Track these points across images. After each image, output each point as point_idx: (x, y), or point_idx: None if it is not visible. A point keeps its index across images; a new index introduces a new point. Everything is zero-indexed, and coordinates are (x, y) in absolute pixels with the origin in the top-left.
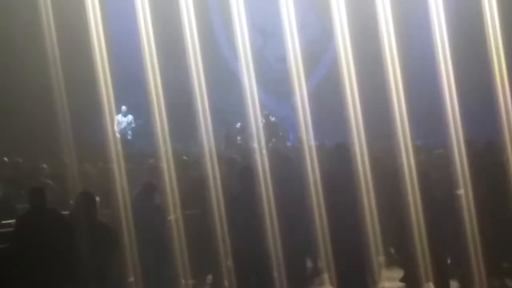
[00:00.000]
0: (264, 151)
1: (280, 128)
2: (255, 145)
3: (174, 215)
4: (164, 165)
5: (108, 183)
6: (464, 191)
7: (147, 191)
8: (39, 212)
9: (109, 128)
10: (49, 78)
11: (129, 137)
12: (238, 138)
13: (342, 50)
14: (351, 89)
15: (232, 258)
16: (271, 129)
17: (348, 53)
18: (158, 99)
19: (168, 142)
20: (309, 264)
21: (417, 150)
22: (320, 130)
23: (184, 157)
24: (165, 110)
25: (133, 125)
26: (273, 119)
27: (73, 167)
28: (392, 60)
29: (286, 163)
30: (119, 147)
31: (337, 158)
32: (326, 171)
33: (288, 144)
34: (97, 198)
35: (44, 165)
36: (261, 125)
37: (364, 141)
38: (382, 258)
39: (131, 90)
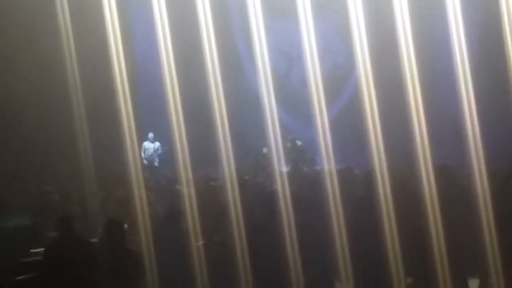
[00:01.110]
0: (288, 175)
1: (307, 152)
2: (281, 169)
3: (201, 241)
4: (185, 190)
5: (134, 210)
6: (485, 212)
7: (172, 216)
8: (67, 240)
9: (130, 155)
10: (70, 105)
11: (156, 164)
12: (265, 163)
13: (363, 74)
14: (372, 114)
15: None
16: (297, 152)
17: (369, 77)
18: (179, 125)
19: (189, 168)
20: None
21: (439, 172)
22: (345, 154)
23: (212, 183)
24: (186, 136)
25: (159, 151)
26: (299, 143)
27: (99, 195)
28: (413, 83)
29: (311, 187)
30: (144, 173)
31: (362, 183)
32: (350, 195)
33: (315, 167)
34: (125, 225)
35: (71, 194)
36: (286, 149)
37: (385, 165)
38: (409, 280)
39: (158, 117)
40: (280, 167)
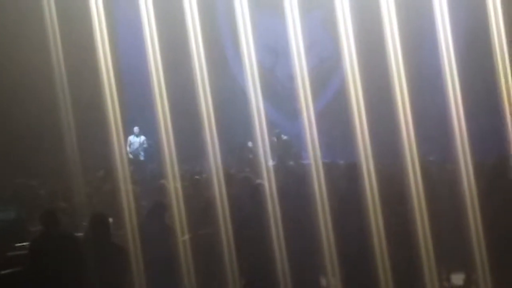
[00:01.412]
0: (274, 170)
1: (293, 146)
2: (264, 163)
3: (185, 235)
4: (171, 184)
5: (119, 204)
6: (472, 208)
7: (157, 210)
8: (52, 234)
9: (117, 149)
10: (56, 100)
11: (142, 158)
12: (250, 156)
13: (349, 69)
14: (358, 108)
15: (240, 278)
16: (283, 147)
17: (355, 72)
18: (165, 119)
19: (175, 163)
20: (317, 283)
21: (425, 167)
22: (331, 148)
23: (196, 177)
24: (172, 130)
25: (145, 145)
26: (285, 137)
27: (84, 189)
28: (399, 78)
29: (297, 181)
30: (130, 168)
31: (347, 178)
32: (336, 190)
33: (301, 161)
34: (110, 219)
35: (56, 188)
36: (272, 143)
37: (372, 160)
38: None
39: (143, 111)
40: (266, 161)
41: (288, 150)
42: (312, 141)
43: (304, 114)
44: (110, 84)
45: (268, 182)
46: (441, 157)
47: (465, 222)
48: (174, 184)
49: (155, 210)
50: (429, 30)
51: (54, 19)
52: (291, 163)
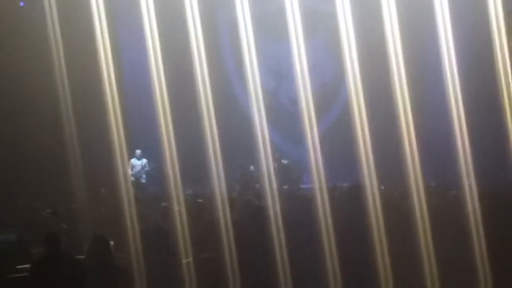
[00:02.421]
0: (276, 194)
1: (294, 171)
2: (267, 188)
3: (188, 258)
4: (175, 207)
5: (121, 227)
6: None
7: (157, 234)
8: (54, 256)
9: (120, 171)
10: (60, 122)
11: (143, 180)
12: (252, 181)
13: (353, 92)
14: (362, 131)
15: None
16: (284, 172)
17: (359, 95)
18: (169, 142)
19: (179, 186)
20: None
21: (430, 191)
22: (333, 172)
23: (199, 200)
24: (176, 154)
25: (147, 168)
26: (285, 162)
27: (87, 211)
28: (403, 101)
29: (298, 206)
30: (132, 190)
31: (351, 200)
32: (339, 213)
33: (302, 186)
34: (111, 242)
35: (59, 210)
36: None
37: (376, 182)
38: None
39: (145, 134)
40: (269, 184)
41: (289, 174)
42: (316, 164)
43: (308, 137)
44: (114, 107)
45: (272, 206)
46: (445, 180)
47: (469, 244)
48: (177, 207)
49: (159, 233)
50: (433, 52)
51: (59, 44)
52: (292, 187)
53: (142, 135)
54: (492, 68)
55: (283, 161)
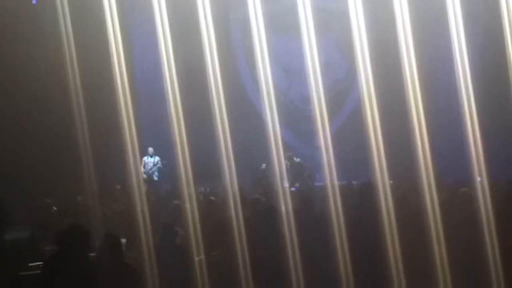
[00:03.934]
0: (289, 192)
1: (306, 169)
2: (280, 185)
3: (200, 256)
4: (187, 205)
5: (133, 225)
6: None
7: (168, 232)
8: (66, 254)
9: (132, 168)
10: (73, 120)
11: (155, 178)
12: (264, 179)
13: (365, 90)
14: (374, 129)
15: None
16: (296, 170)
17: (371, 93)
18: (181, 140)
19: (191, 183)
20: None
21: (441, 188)
22: (346, 170)
23: (212, 198)
24: (188, 151)
25: (159, 166)
26: (298, 160)
27: (99, 209)
28: (415, 99)
29: (311, 204)
30: (144, 188)
31: (362, 198)
32: (351, 210)
33: (315, 184)
34: (123, 240)
35: (70, 207)
36: (285, 166)
37: (388, 181)
38: None
39: (157, 132)
40: (282, 183)
41: (301, 172)
42: (328, 162)
43: (320, 136)
44: (126, 105)
45: (284, 204)
46: (457, 177)
47: (481, 244)
48: (189, 205)
49: (170, 230)
50: (445, 50)
51: (71, 42)
52: (305, 185)
53: (155, 132)
54: (504, 64)
55: (295, 159)
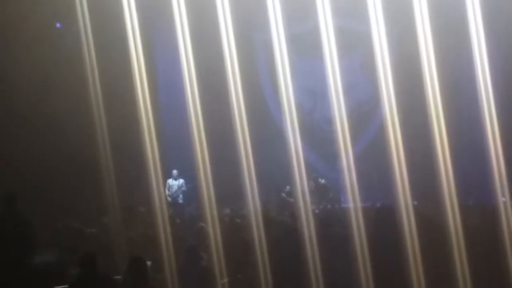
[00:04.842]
0: (313, 214)
1: (331, 190)
2: (303, 208)
3: (224, 278)
4: (210, 227)
5: (158, 248)
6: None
7: (192, 255)
8: (91, 277)
9: (156, 191)
10: (96, 143)
11: (180, 201)
12: (289, 200)
13: (388, 112)
14: (397, 151)
15: None
16: (321, 191)
17: (394, 114)
18: (204, 163)
19: (214, 206)
20: None
21: (464, 209)
22: (370, 192)
23: (237, 220)
24: (211, 174)
25: (184, 188)
26: (322, 181)
27: (124, 232)
28: (438, 121)
29: (335, 226)
30: (169, 211)
31: (385, 220)
32: (374, 232)
33: (340, 205)
34: (149, 263)
35: (95, 230)
36: (310, 188)
37: (411, 203)
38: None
39: (182, 154)
40: (305, 205)
41: (326, 194)
42: (351, 184)
43: (343, 157)
44: (149, 128)
45: (307, 226)
46: (480, 198)
47: (505, 266)
48: (212, 227)
49: (194, 253)
50: (468, 72)
51: (94, 64)
52: (330, 207)
53: (179, 155)
54: None
55: (320, 180)
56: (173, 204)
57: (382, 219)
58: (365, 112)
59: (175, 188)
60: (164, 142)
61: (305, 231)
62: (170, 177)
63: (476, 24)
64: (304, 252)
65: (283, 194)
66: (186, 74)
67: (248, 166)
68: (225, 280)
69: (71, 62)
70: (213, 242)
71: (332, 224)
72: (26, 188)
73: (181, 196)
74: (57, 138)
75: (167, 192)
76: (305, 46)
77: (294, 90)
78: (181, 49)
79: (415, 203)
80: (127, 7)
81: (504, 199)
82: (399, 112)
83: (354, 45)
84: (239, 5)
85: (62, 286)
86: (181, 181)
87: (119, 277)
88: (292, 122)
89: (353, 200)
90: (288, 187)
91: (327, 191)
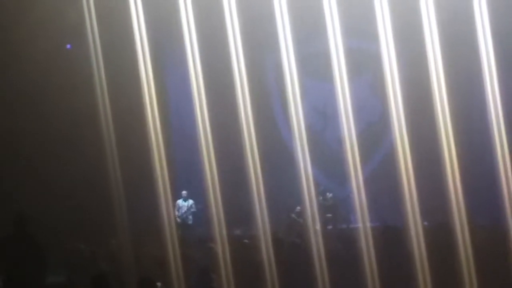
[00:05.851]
0: (323, 233)
1: (339, 205)
2: (315, 227)
3: None
4: (219, 248)
5: (167, 269)
6: None
7: (202, 277)
8: None
9: (165, 213)
10: (105, 163)
11: (190, 222)
12: (299, 221)
13: (398, 133)
14: (407, 172)
15: None
16: (329, 205)
17: (404, 136)
18: (213, 183)
19: (223, 226)
20: None
21: (474, 230)
22: (379, 212)
23: (245, 241)
24: (220, 194)
25: (193, 209)
26: (330, 195)
27: (133, 253)
28: (448, 142)
29: (344, 246)
30: (178, 232)
31: (388, 241)
32: (384, 253)
33: (349, 225)
34: (159, 284)
35: (105, 252)
36: (319, 203)
37: (420, 224)
38: None
39: (192, 175)
40: (315, 225)
41: (336, 212)
42: (361, 204)
43: (353, 178)
44: (159, 149)
45: (316, 246)
46: (490, 219)
47: None
48: (221, 248)
49: (204, 274)
50: (479, 92)
51: (104, 86)
52: (339, 226)
53: (189, 176)
54: None
55: (328, 194)
56: (182, 225)
57: (392, 239)
58: (375, 132)
59: (184, 209)
60: (174, 163)
61: (315, 251)
62: (179, 198)
63: (486, 46)
64: (313, 273)
65: (293, 215)
66: (196, 96)
67: (258, 186)
68: None
69: (81, 83)
70: (222, 263)
71: (341, 244)
72: (38, 210)
73: (190, 217)
74: (66, 159)
75: (176, 213)
76: (315, 67)
77: (304, 111)
78: (191, 71)
79: (425, 223)
80: (137, 29)
81: None
82: (408, 133)
83: (364, 65)
84: (249, 27)
85: None
86: (191, 202)
87: None
88: (302, 142)
89: (362, 220)
90: (298, 207)
91: (335, 205)
